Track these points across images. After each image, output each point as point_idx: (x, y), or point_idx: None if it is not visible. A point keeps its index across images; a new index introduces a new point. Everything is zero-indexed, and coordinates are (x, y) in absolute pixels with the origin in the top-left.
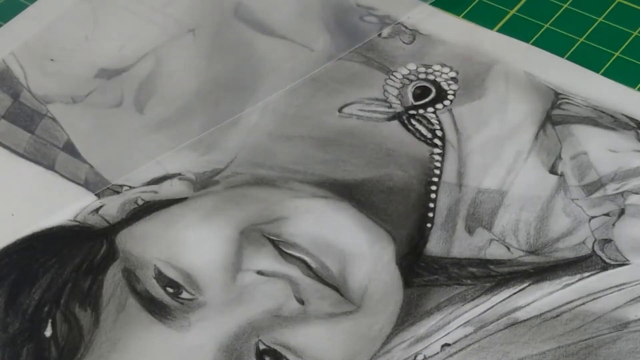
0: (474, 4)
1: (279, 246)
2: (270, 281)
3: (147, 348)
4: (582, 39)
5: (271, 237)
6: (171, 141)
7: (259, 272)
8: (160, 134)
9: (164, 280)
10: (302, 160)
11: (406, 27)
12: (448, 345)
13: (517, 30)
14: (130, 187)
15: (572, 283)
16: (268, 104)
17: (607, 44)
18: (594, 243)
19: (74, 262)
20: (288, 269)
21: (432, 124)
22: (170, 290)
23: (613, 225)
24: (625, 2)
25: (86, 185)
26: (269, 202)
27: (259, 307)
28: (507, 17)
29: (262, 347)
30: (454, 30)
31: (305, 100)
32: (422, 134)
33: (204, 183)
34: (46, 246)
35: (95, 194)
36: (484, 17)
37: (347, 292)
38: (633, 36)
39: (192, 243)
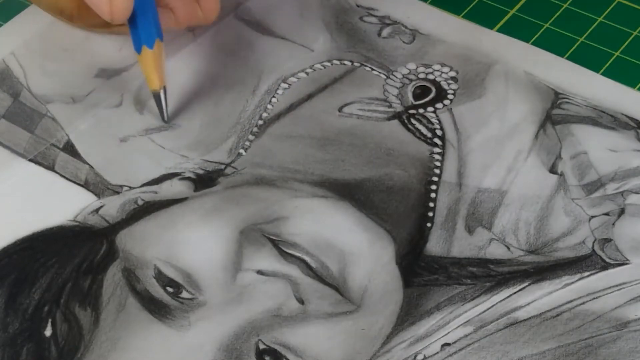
0: (473, 3)
1: (279, 246)
2: (270, 281)
3: (147, 347)
4: (582, 39)
5: (271, 237)
6: (171, 141)
7: (259, 272)
8: (161, 134)
9: (164, 279)
10: (302, 159)
11: (406, 27)
12: (448, 344)
13: (517, 30)
14: (130, 188)
15: (572, 282)
16: (268, 104)
17: (607, 44)
18: (594, 242)
19: (74, 262)
20: (288, 268)
21: (432, 124)
22: (170, 289)
23: (613, 224)
24: (625, 2)
25: (86, 185)
26: (269, 201)
27: (259, 306)
28: (507, 17)
29: (262, 346)
30: (454, 30)
31: (305, 100)
32: (422, 134)
33: (204, 183)
34: (46, 246)
35: (95, 194)
36: (484, 17)
37: (347, 291)
38: (633, 36)
39: (192, 243)
